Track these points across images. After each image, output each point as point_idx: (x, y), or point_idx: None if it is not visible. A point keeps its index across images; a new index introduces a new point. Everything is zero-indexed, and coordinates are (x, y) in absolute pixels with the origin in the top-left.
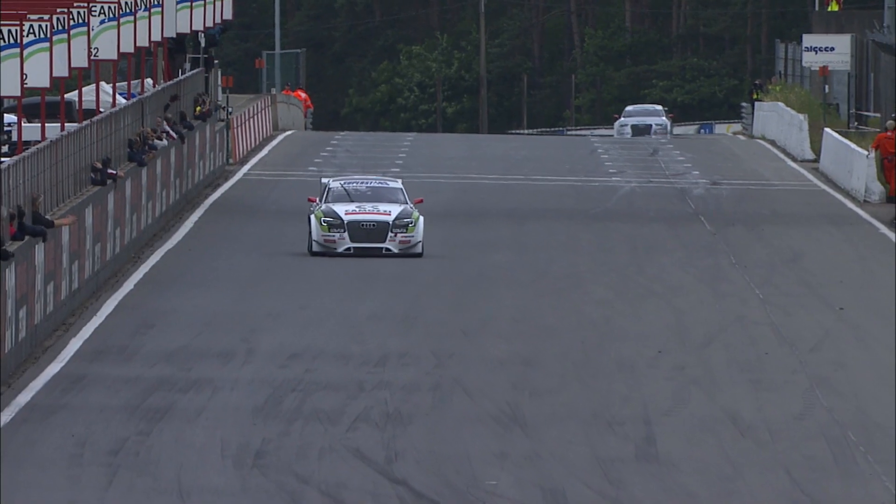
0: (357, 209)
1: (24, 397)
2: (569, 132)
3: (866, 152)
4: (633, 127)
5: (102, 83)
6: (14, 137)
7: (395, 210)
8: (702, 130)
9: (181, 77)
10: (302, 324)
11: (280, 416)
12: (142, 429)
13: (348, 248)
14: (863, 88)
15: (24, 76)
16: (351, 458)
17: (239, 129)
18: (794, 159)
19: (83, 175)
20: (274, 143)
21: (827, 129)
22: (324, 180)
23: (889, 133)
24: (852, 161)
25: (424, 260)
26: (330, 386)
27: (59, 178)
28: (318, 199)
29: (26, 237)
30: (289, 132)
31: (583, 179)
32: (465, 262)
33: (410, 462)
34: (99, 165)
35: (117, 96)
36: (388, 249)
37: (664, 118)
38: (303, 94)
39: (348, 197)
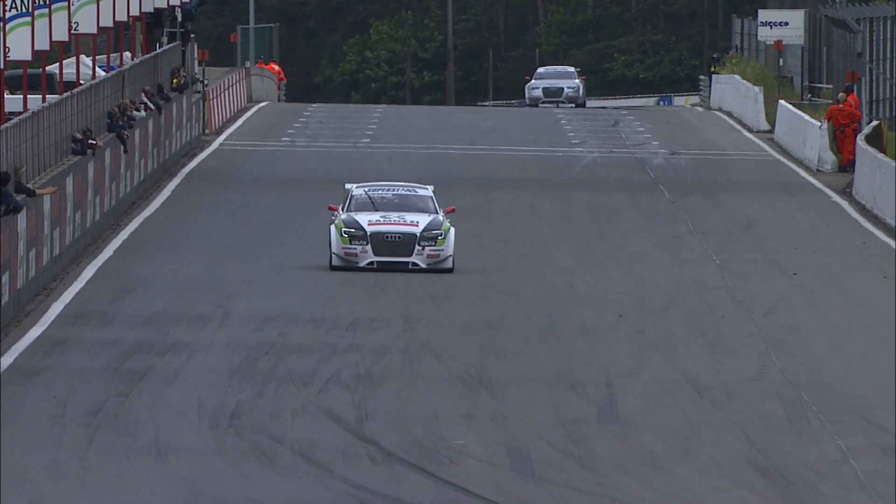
0: (381, 219)
1: (6, 360)
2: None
3: (819, 123)
4: (545, 90)
5: (82, 56)
6: None
7: (423, 220)
8: (661, 102)
9: (158, 51)
10: (275, 289)
11: (254, 378)
12: (121, 390)
13: (371, 263)
14: (816, 62)
15: (7, 49)
16: (323, 419)
17: (214, 100)
18: (749, 130)
19: (64, 145)
20: (248, 114)
21: (781, 101)
22: (347, 186)
23: (841, 105)
24: (806, 132)
25: None
26: (302, 349)
27: (40, 148)
28: (339, 208)
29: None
30: (263, 104)
31: (546, 150)
32: None
33: (380, 422)
34: (79, 136)
35: (97, 69)
36: (414, 264)
37: (577, 80)
38: (276, 67)
39: (373, 205)
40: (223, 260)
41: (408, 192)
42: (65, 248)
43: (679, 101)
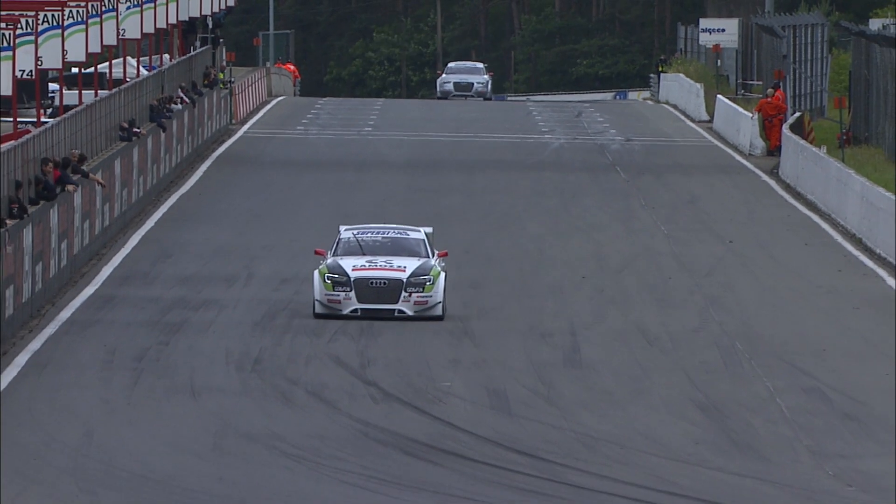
0: (367, 264)
1: (65, 314)
2: (509, 98)
3: (751, 115)
4: (456, 84)
5: (128, 57)
6: (56, 102)
7: (411, 265)
8: (617, 97)
9: (192, 53)
10: (292, 254)
11: (274, 330)
12: (161, 340)
13: (355, 310)
14: (748, 62)
15: (65, 52)
16: (331, 364)
17: (240, 95)
18: (692, 120)
19: (113, 133)
20: (268, 107)
21: (719, 96)
22: (340, 228)
23: (769, 99)
24: (739, 121)
25: (392, 200)
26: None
27: (93, 136)
28: (327, 252)
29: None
30: (280, 98)
31: (520, 136)
32: (424, 204)
33: (380, 367)
34: (125, 125)
35: (140, 69)
36: (400, 311)
37: (485, 76)
38: (292, 67)
39: (360, 250)
40: (248, 229)
41: (398, 236)
42: (113, 219)
43: (633, 95)
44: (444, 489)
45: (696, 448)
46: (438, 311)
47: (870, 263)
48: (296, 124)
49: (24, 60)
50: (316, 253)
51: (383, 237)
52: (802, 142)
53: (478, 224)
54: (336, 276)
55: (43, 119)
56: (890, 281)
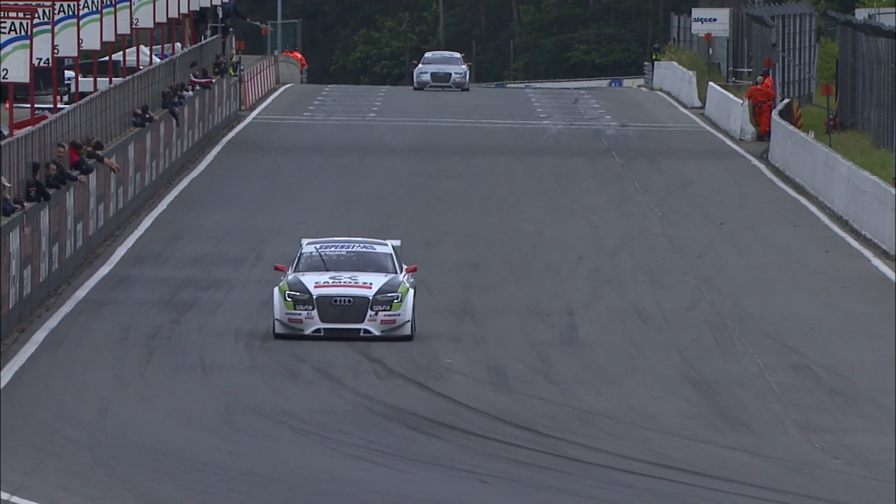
0: (330, 281)
1: (80, 293)
2: (508, 86)
3: (741, 101)
4: (433, 75)
5: (142, 46)
6: (72, 89)
7: (377, 282)
8: (613, 84)
9: (203, 42)
10: (299, 236)
11: None
12: (173, 318)
13: (317, 330)
14: (738, 51)
15: (80, 41)
16: (337, 342)
17: (249, 82)
18: (685, 106)
19: (126, 119)
20: (276, 94)
21: (711, 83)
22: (303, 242)
23: (759, 86)
24: (730, 108)
25: (395, 185)
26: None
27: (107, 121)
28: (287, 268)
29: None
30: (288, 85)
31: (519, 122)
32: (426, 188)
33: (384, 345)
34: (139, 111)
35: (153, 57)
36: (366, 331)
37: (464, 66)
38: (299, 55)
39: (323, 265)
40: (256, 212)
41: (364, 250)
42: (127, 202)
43: (628, 82)
44: (446, 462)
45: (689, 423)
46: (407, 330)
47: (856, 244)
48: (302, 111)
49: (41, 49)
50: (276, 269)
51: (348, 251)
52: (791, 127)
53: (478, 207)
54: (297, 293)
55: (59, 105)
56: (875, 261)
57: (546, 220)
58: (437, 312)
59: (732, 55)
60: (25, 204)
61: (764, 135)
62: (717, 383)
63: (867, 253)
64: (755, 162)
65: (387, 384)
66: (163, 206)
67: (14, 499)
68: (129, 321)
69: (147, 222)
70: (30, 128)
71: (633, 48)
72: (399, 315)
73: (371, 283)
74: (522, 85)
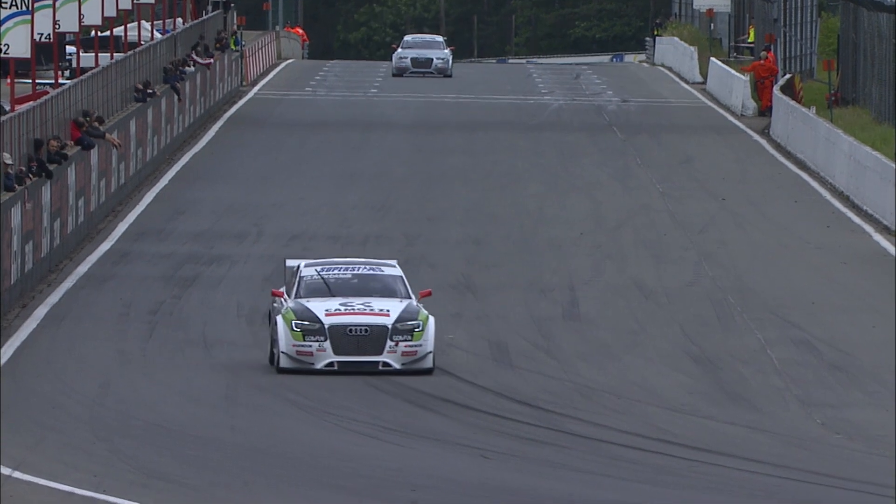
0: (342, 307)
1: (82, 268)
2: (510, 61)
3: (743, 76)
4: (414, 60)
5: (143, 21)
6: (73, 64)
7: (395, 308)
8: (614, 59)
9: (205, 17)
10: (300, 212)
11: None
12: (175, 293)
13: (330, 364)
14: (740, 26)
15: (82, 16)
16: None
17: (250, 58)
18: (686, 82)
19: (128, 94)
20: (278, 69)
21: (712, 59)
22: (289, 263)
23: (761, 61)
24: (732, 83)
25: (397, 160)
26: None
27: (109, 97)
28: (284, 294)
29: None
30: (289, 61)
31: (521, 98)
32: (428, 163)
33: None
34: (140, 86)
35: (154, 32)
36: (385, 364)
37: (446, 51)
38: (300, 31)
39: (328, 290)
40: (258, 188)
41: (371, 272)
42: (129, 178)
43: (629, 58)
44: (447, 437)
45: (690, 398)
46: (429, 362)
47: (857, 220)
48: (304, 86)
49: (43, 24)
50: (273, 294)
51: (353, 274)
52: (793, 103)
53: (480, 183)
54: (306, 322)
55: (60, 81)
56: (876, 237)
57: (548, 196)
58: (439, 288)
59: (734, 30)
60: (28, 179)
61: (765, 110)
62: (718, 359)
63: (868, 228)
64: (757, 137)
65: None
66: (164, 181)
67: (16, 474)
68: (131, 297)
69: (149, 198)
70: (31, 103)
71: (635, 23)
72: (420, 346)
73: (388, 310)
74: (524, 60)
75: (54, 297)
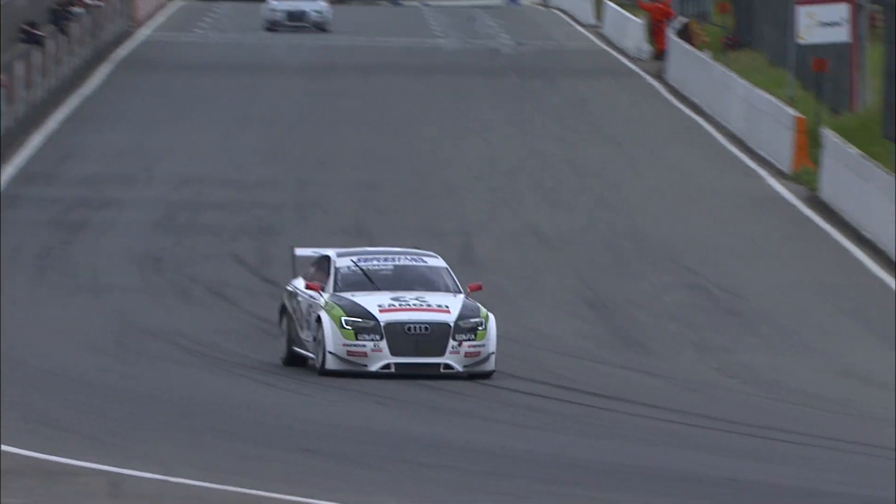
0: (397, 304)
1: None
2: (404, 4)
3: (638, 20)
4: (289, 13)
5: None
6: None
7: (454, 304)
8: (509, 3)
9: None
10: (191, 156)
11: (174, 230)
12: (64, 238)
13: (387, 366)
14: None
15: None
16: (231, 263)
17: None
18: (581, 24)
19: (13, 35)
20: (168, 10)
21: (607, 1)
22: (299, 252)
23: (658, 4)
24: (627, 26)
25: (289, 103)
26: (215, 205)
27: None
28: (321, 286)
29: None
30: (181, 3)
31: (416, 40)
32: (321, 107)
33: (279, 266)
34: (26, 27)
35: None
36: (447, 367)
37: (323, 2)
38: None
39: (371, 283)
40: (148, 131)
41: (413, 263)
42: (17, 120)
43: (525, 0)
44: (342, 383)
45: (586, 343)
46: (492, 364)
47: (752, 164)
48: (194, 28)
49: None
50: (308, 287)
51: (395, 265)
52: (687, 46)
53: (374, 126)
54: (359, 319)
55: None
56: (770, 181)
57: (442, 140)
58: (332, 234)
59: None
60: None
61: (660, 53)
62: (613, 303)
63: (763, 172)
64: (651, 81)
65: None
66: (53, 124)
67: None
68: (19, 242)
69: (37, 141)
70: None
71: None
72: (483, 346)
73: (447, 307)
74: (418, 2)
75: None
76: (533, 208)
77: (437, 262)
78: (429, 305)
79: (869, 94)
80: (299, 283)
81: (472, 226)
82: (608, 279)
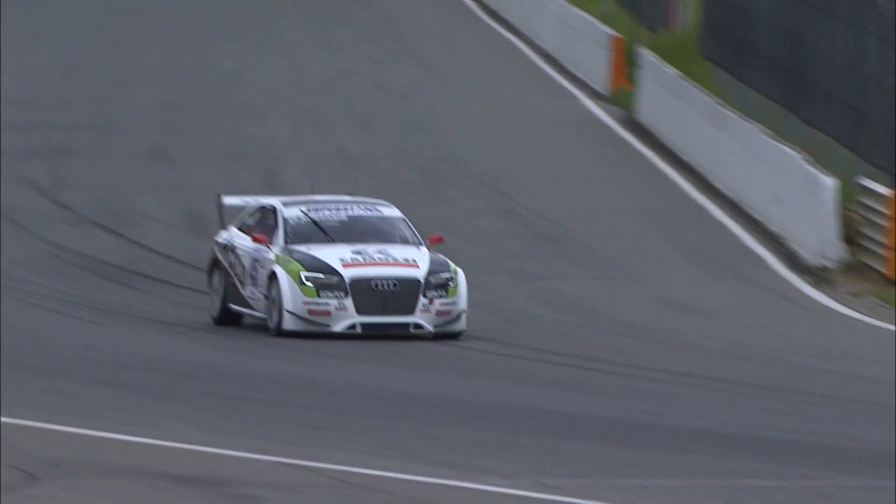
0: (360, 257)
1: None
2: None
3: None
4: None
5: None
6: None
7: (421, 259)
8: None
9: None
10: None
11: None
12: None
13: (352, 326)
14: None
15: None
16: (24, 186)
17: None
18: None
19: None
20: None
21: None
22: (228, 201)
23: None
24: None
25: (84, 19)
26: (5, 126)
27: None
28: (269, 238)
29: None
30: None
31: None
32: (117, 23)
33: (75, 189)
34: None
35: None
36: (418, 326)
37: None
38: None
39: (324, 234)
40: None
41: (367, 213)
42: None
43: None
44: (139, 312)
45: None
46: (462, 323)
47: (567, 85)
48: None
49: None
50: (255, 239)
51: (347, 215)
52: None
53: (173, 43)
54: (320, 275)
55: None
56: (587, 102)
57: (245, 58)
58: (129, 156)
59: None
60: None
61: None
62: (425, 228)
63: (579, 93)
64: (468, 2)
65: (77, 231)
66: None
67: None
68: None
69: None
70: None
71: None
72: (455, 304)
73: (415, 261)
74: None
75: None
76: (340, 130)
77: (393, 211)
78: (395, 260)
79: (687, 12)
80: (235, 235)
81: (276, 148)
82: (419, 203)
